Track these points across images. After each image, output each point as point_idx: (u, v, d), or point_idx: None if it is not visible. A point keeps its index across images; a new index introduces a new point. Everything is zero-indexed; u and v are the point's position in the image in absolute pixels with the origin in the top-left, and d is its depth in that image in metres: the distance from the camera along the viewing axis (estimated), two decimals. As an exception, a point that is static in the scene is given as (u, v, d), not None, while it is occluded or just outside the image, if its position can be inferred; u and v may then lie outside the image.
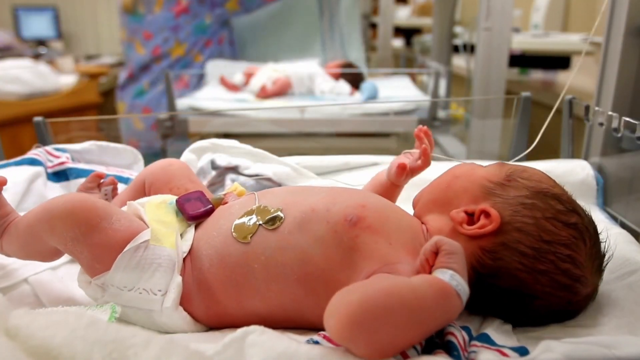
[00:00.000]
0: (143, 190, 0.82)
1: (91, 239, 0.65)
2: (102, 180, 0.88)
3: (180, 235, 0.70)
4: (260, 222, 0.66)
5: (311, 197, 0.68)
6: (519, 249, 0.61)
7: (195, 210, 0.72)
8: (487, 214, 0.63)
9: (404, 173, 0.79)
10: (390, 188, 0.81)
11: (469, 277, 0.62)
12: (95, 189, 0.88)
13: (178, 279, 0.65)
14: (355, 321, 0.48)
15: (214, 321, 0.67)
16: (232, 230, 0.67)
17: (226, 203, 0.75)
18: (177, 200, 0.73)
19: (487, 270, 0.62)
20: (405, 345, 0.51)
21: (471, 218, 0.64)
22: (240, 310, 0.65)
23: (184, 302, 0.65)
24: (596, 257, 0.64)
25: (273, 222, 0.66)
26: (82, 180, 0.93)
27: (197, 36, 2.69)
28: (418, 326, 0.50)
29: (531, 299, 0.62)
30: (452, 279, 0.52)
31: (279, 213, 0.66)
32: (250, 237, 0.65)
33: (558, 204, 0.63)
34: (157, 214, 0.71)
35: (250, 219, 0.67)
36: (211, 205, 0.74)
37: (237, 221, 0.67)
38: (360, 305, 0.48)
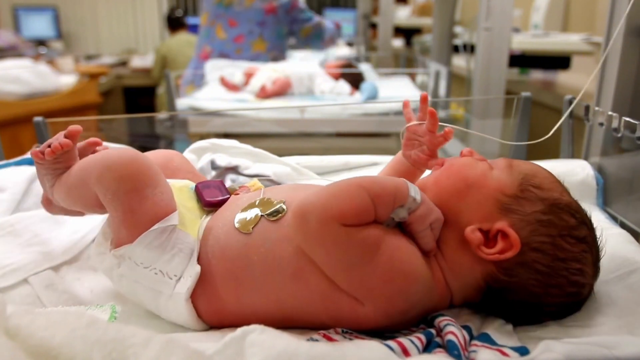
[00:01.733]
0: None
1: (129, 200, 0.64)
2: (97, 148, 0.83)
3: None
4: (263, 214, 0.66)
5: (310, 192, 0.68)
6: (534, 267, 0.61)
7: (212, 198, 0.72)
8: (504, 234, 0.61)
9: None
10: (412, 171, 0.81)
11: (479, 289, 0.63)
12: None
13: (197, 268, 0.65)
14: None
15: (214, 318, 0.67)
16: (236, 222, 0.67)
17: (237, 194, 0.75)
18: (196, 186, 0.74)
19: (500, 285, 0.62)
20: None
21: (486, 235, 0.62)
22: (239, 307, 0.65)
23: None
24: (597, 262, 0.65)
25: (275, 214, 0.66)
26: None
27: (276, 41, 2.75)
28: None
29: (538, 306, 0.63)
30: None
31: (282, 205, 0.67)
32: (252, 228, 0.65)
33: (571, 219, 0.63)
34: (180, 197, 0.71)
35: (253, 210, 0.68)
36: (229, 195, 0.74)
37: (240, 213, 0.68)
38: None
